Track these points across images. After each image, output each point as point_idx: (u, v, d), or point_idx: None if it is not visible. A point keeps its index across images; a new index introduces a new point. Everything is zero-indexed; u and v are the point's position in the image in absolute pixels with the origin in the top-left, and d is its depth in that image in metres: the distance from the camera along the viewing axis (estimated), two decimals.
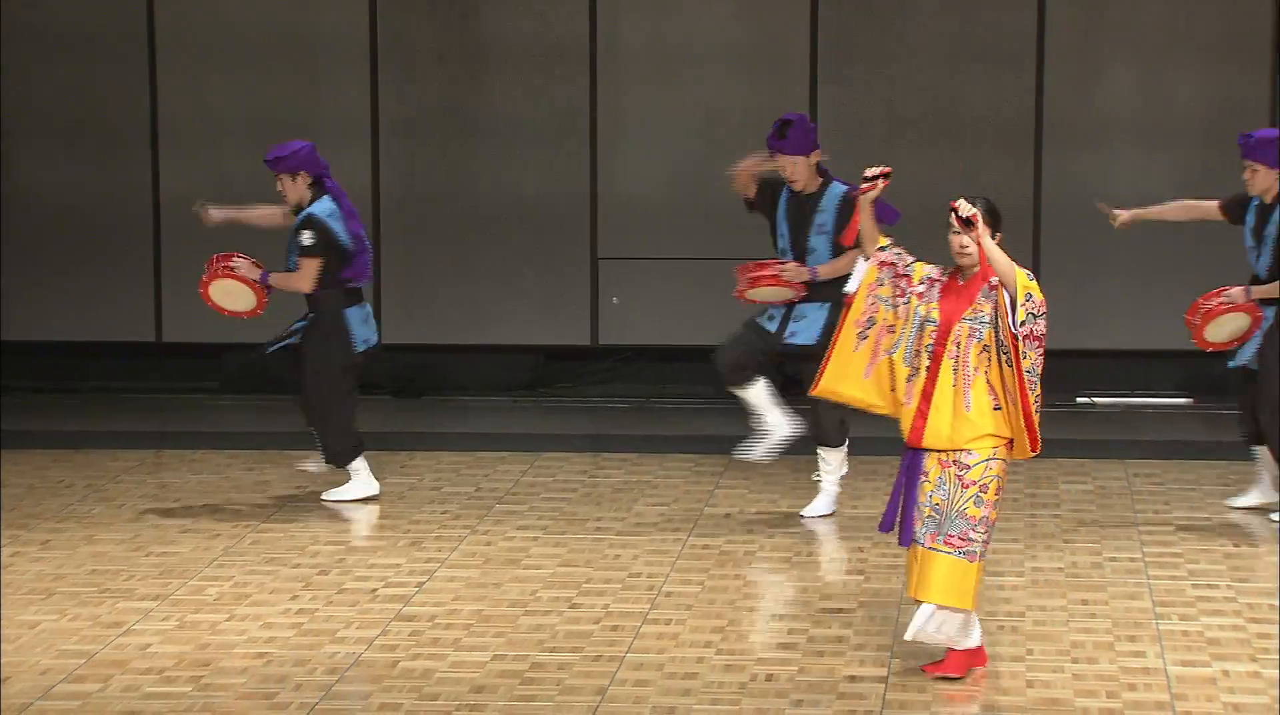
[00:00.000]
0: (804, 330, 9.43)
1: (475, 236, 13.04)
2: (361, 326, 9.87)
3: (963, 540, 7.02)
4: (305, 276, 9.71)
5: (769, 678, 7.27)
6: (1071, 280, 12.63)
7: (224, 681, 7.22)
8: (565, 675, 7.29)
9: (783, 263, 9.46)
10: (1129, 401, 12.47)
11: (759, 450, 9.59)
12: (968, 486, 6.99)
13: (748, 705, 6.99)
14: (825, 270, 9.41)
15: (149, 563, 8.89)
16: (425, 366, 13.11)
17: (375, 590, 8.43)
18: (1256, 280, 9.45)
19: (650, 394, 12.88)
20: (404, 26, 12.93)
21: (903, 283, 7.15)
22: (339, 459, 9.96)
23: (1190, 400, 12.52)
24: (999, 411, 6.98)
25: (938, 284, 7.10)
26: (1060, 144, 12.57)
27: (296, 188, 9.75)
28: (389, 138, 12.98)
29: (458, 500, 10.12)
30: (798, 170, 9.41)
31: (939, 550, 7.03)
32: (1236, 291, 9.40)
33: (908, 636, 7.18)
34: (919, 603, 7.11)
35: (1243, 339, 9.43)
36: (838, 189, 9.46)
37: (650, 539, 9.33)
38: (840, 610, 8.12)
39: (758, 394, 9.52)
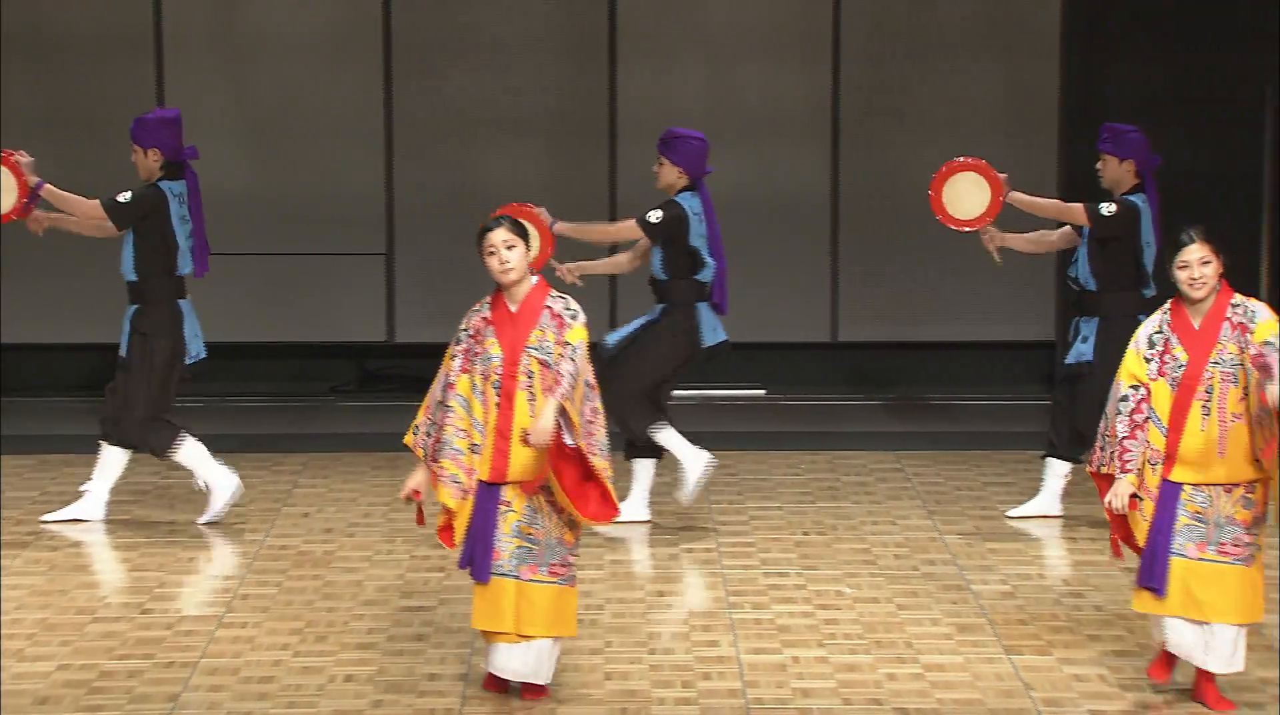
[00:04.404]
0: None
1: (46, 232, 12.59)
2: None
3: (563, 566, 6.96)
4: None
5: (348, 678, 7.20)
6: None
7: None
8: (136, 683, 7.09)
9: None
10: (706, 393, 12.70)
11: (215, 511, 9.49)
12: (560, 511, 6.95)
13: (326, 707, 6.91)
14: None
15: None
16: None
17: None
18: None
19: (226, 392, 12.62)
20: None
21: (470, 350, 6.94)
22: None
23: (763, 392, 12.81)
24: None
25: (487, 321, 6.91)
26: (635, 139, 12.74)
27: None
28: None
29: (21, 505, 9.77)
30: None
31: (541, 581, 6.90)
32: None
33: (514, 676, 6.91)
34: (524, 639, 6.88)
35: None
36: None
37: (226, 540, 9.15)
38: (421, 608, 8.08)
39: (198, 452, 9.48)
